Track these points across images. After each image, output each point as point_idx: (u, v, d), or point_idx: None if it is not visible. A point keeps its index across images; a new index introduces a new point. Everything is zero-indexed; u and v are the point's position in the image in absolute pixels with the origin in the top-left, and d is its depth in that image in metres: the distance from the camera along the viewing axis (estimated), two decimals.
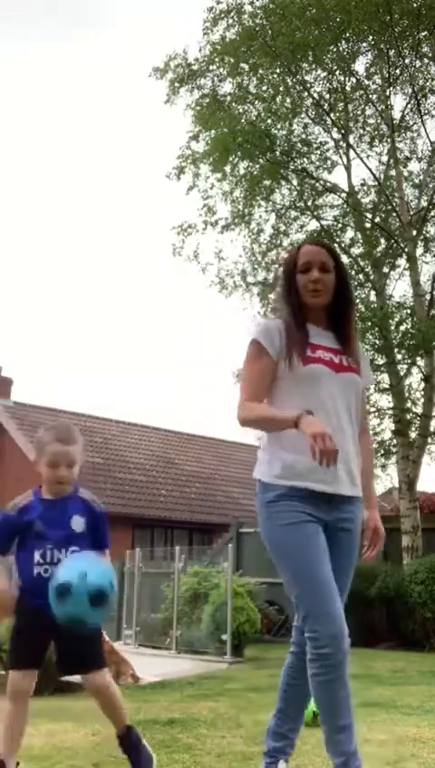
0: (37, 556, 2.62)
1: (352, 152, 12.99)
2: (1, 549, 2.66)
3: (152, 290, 50.93)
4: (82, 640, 2.60)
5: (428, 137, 12.96)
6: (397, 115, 12.99)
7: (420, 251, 12.66)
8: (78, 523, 2.67)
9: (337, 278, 2.56)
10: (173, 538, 18.25)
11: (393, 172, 13.16)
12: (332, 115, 12.88)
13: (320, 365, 2.46)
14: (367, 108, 13.38)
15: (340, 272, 2.57)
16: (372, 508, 2.60)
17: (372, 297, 12.59)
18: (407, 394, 12.30)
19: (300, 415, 2.29)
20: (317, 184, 13.00)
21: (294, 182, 13.06)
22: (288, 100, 12.79)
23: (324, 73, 12.81)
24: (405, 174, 13.34)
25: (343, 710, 2.32)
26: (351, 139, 13.07)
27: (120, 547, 14.29)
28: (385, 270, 12.84)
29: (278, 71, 12.51)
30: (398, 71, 12.64)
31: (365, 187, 13.41)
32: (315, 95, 12.77)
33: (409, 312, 12.27)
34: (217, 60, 12.77)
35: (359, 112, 13.46)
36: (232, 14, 12.66)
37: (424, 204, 12.93)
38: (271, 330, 2.54)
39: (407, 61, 12.49)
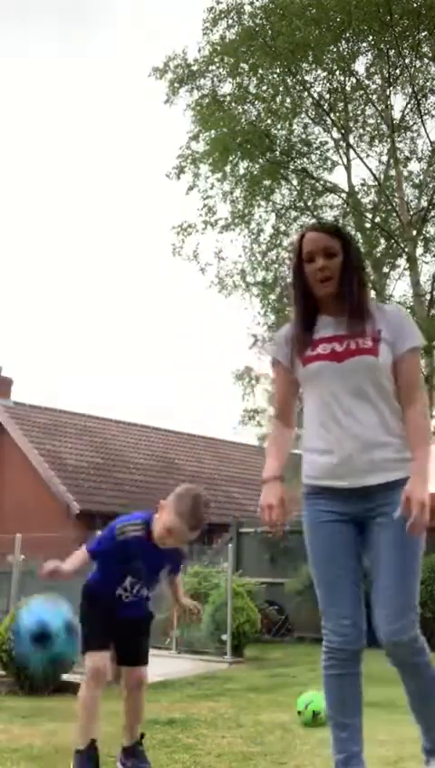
0: (127, 582, 2.84)
1: (352, 152, 13.02)
2: (94, 557, 2.82)
3: (152, 290, 50.93)
4: (140, 636, 2.96)
5: (428, 137, 12.98)
6: (397, 115, 13.01)
7: (420, 251, 12.68)
8: (165, 571, 2.99)
9: (345, 260, 2.39)
10: None
11: (393, 172, 13.16)
12: (332, 115, 12.88)
13: (318, 363, 2.40)
14: (367, 108, 13.39)
15: (348, 252, 2.40)
16: (412, 475, 2.25)
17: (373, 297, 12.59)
18: None
19: (266, 480, 2.47)
20: (317, 184, 13.01)
21: (294, 182, 13.06)
22: (288, 100, 12.80)
23: (324, 73, 12.82)
24: (405, 174, 13.35)
25: (347, 708, 2.33)
26: (351, 139, 13.08)
27: None
28: (385, 270, 12.84)
29: (278, 71, 12.51)
30: (398, 71, 12.65)
31: (365, 187, 13.43)
32: (315, 95, 12.77)
33: (409, 312, 12.28)
34: (216, 60, 12.77)
35: (359, 112, 13.47)
36: (232, 14, 12.66)
37: (424, 204, 12.94)
38: (278, 339, 2.56)
39: (407, 61, 12.50)
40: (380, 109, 13.02)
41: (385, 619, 2.26)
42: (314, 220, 13.02)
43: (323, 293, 2.42)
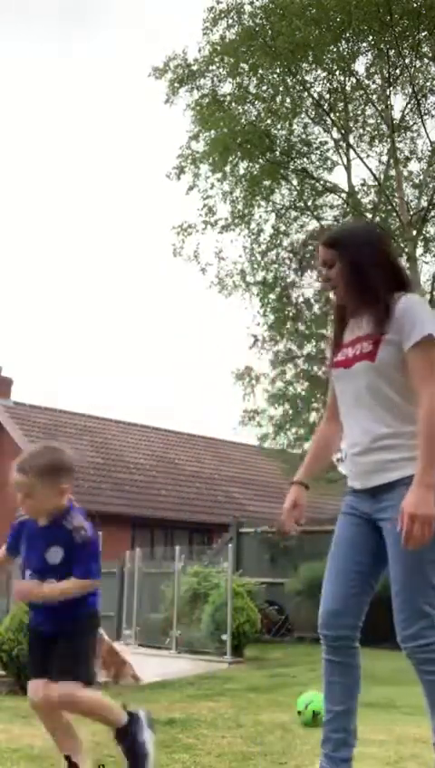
0: (27, 576, 2.55)
1: (352, 152, 13.01)
2: (8, 550, 2.62)
3: (152, 290, 50.93)
4: (61, 652, 2.49)
5: (428, 137, 12.98)
6: (397, 115, 13.01)
7: (420, 251, 12.68)
8: (55, 555, 2.50)
9: (343, 264, 2.42)
10: (173, 538, 18.24)
11: (393, 172, 13.16)
12: (332, 115, 12.88)
13: (336, 369, 2.51)
14: (367, 108, 13.38)
15: (345, 258, 2.43)
16: (412, 485, 2.21)
17: None
18: None
19: (290, 483, 2.62)
20: (317, 184, 13.00)
21: (294, 182, 13.06)
22: (288, 100, 12.79)
23: (324, 73, 12.81)
24: (405, 174, 13.34)
25: (329, 693, 2.42)
26: (351, 139, 13.07)
27: (120, 547, 14.29)
28: None
29: (278, 71, 12.51)
30: (398, 71, 12.65)
31: (365, 187, 13.42)
32: (315, 95, 12.77)
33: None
34: (216, 60, 12.76)
35: (359, 112, 13.46)
36: (232, 13, 12.65)
37: (424, 204, 12.93)
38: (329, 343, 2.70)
39: (407, 61, 12.50)
40: (380, 109, 13.01)
41: (398, 625, 2.29)
42: (313, 220, 13.04)
43: (339, 300, 2.52)
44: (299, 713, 4.01)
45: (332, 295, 2.49)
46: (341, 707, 2.40)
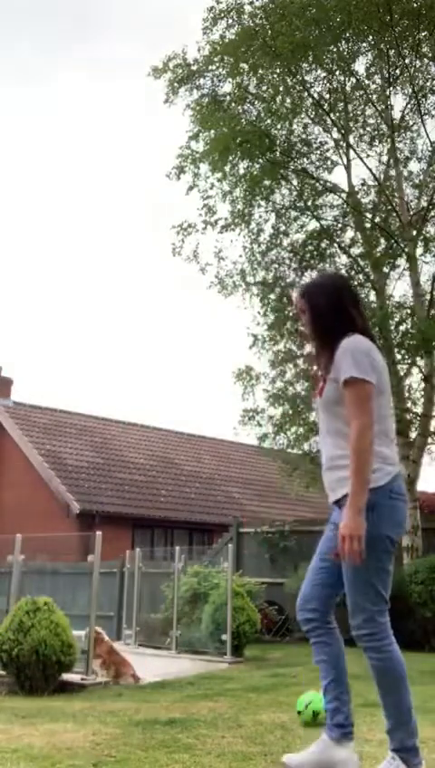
0: None
1: (352, 152, 12.98)
2: None
3: (152, 290, 50.91)
4: None
5: (428, 137, 12.95)
6: (397, 115, 12.98)
7: (420, 251, 12.65)
8: None
9: (309, 312, 2.93)
10: (173, 538, 18.25)
11: (393, 172, 13.15)
12: (332, 115, 12.86)
13: (314, 399, 3.08)
14: (367, 108, 13.36)
15: (309, 306, 2.93)
16: (345, 507, 2.68)
17: (372, 297, 12.58)
18: (407, 394, 12.30)
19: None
20: (317, 184, 12.98)
21: (294, 182, 13.04)
22: (288, 100, 12.77)
23: (324, 73, 12.79)
24: (405, 174, 13.33)
25: (323, 671, 2.90)
26: (351, 139, 13.06)
27: (120, 547, 14.29)
28: (385, 270, 12.82)
29: (278, 71, 12.48)
30: (398, 71, 12.63)
31: (365, 187, 13.39)
32: (315, 95, 12.75)
33: (409, 311, 12.26)
34: (216, 60, 12.74)
35: (359, 112, 13.44)
36: (232, 13, 12.64)
37: (424, 204, 12.92)
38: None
39: (407, 61, 12.47)
40: (380, 109, 13.00)
41: (349, 617, 2.76)
42: (313, 220, 13.02)
43: (309, 343, 3.11)
44: (299, 713, 4.02)
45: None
46: (329, 678, 2.87)
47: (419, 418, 11.99)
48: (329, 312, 2.87)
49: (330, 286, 3.01)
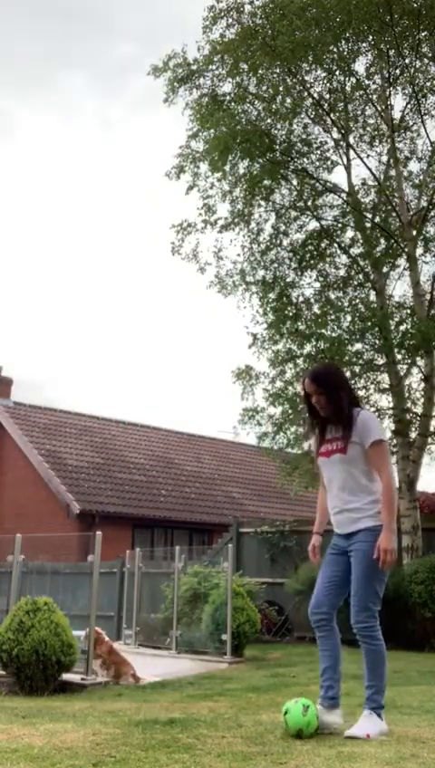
0: None
1: (352, 152, 12.96)
2: None
3: (152, 289, 50.92)
4: None
5: (428, 137, 12.94)
6: (397, 115, 12.96)
7: (420, 251, 12.64)
8: None
9: (326, 394, 3.84)
10: (173, 538, 18.25)
11: (393, 172, 13.14)
12: (332, 115, 12.84)
13: (320, 458, 3.94)
14: (367, 108, 13.34)
15: (326, 389, 3.85)
16: (382, 531, 3.69)
17: (372, 297, 12.57)
18: (407, 394, 12.30)
19: (313, 533, 4.17)
20: (317, 184, 12.97)
21: (294, 182, 13.03)
22: (288, 100, 12.75)
23: (324, 73, 12.77)
24: (405, 174, 13.32)
25: (324, 658, 3.82)
26: (351, 139, 13.04)
27: (120, 547, 14.30)
28: (385, 270, 12.82)
29: (278, 70, 12.47)
30: (398, 71, 12.61)
31: (365, 187, 13.38)
32: (315, 95, 12.74)
33: (409, 312, 12.26)
34: (216, 59, 12.73)
35: (359, 112, 13.41)
36: (232, 13, 12.62)
37: (424, 204, 12.91)
38: (311, 442, 4.28)
39: (407, 61, 12.45)
40: (380, 109, 12.98)
41: (353, 613, 3.69)
42: (313, 220, 13.01)
43: (323, 414, 3.90)
44: (286, 712, 4.00)
45: (321, 413, 3.89)
46: (328, 663, 3.81)
47: (419, 418, 11.99)
48: (341, 390, 3.85)
49: (334, 371, 4.10)
